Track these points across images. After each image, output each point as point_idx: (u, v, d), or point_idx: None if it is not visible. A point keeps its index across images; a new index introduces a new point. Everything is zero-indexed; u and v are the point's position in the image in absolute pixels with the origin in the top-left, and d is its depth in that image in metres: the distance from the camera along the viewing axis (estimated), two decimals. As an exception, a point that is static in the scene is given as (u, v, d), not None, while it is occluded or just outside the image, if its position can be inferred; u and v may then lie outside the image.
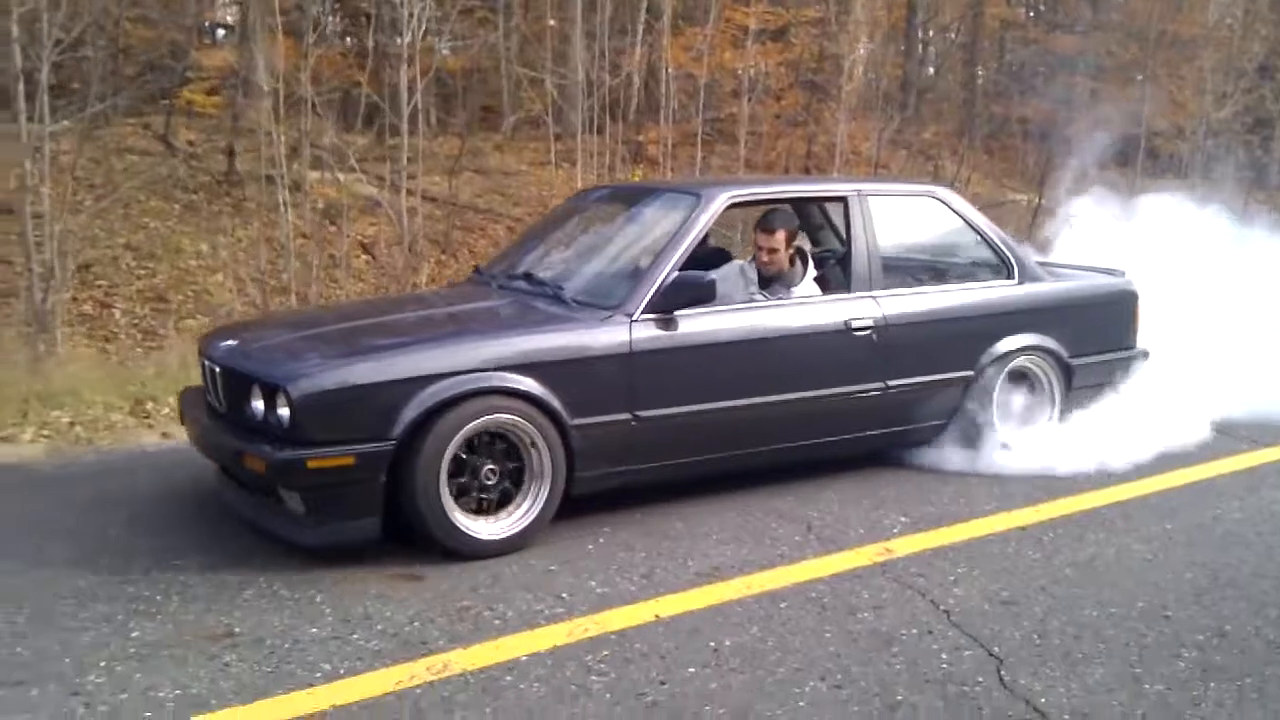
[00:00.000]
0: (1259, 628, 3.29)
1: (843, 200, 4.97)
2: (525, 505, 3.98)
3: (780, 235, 4.87)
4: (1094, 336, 5.40)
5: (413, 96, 12.86)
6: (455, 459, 3.82)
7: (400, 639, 3.28)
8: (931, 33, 22.20)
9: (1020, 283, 5.23)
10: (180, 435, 4.92)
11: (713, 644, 3.26)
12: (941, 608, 3.53)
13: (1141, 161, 17.10)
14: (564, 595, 3.62)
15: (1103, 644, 3.24)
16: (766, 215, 4.97)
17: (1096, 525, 4.27)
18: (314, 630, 3.33)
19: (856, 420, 4.78)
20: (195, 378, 6.17)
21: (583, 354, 4.09)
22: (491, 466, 3.91)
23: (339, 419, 3.67)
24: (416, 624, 3.39)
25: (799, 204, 5.34)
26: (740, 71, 15.72)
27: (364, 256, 13.99)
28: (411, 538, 3.85)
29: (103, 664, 3.08)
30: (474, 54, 15.33)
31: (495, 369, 3.87)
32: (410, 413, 3.70)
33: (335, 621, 3.39)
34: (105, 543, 3.97)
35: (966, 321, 5.05)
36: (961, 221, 5.24)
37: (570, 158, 16.57)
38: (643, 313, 4.23)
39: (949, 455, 5.07)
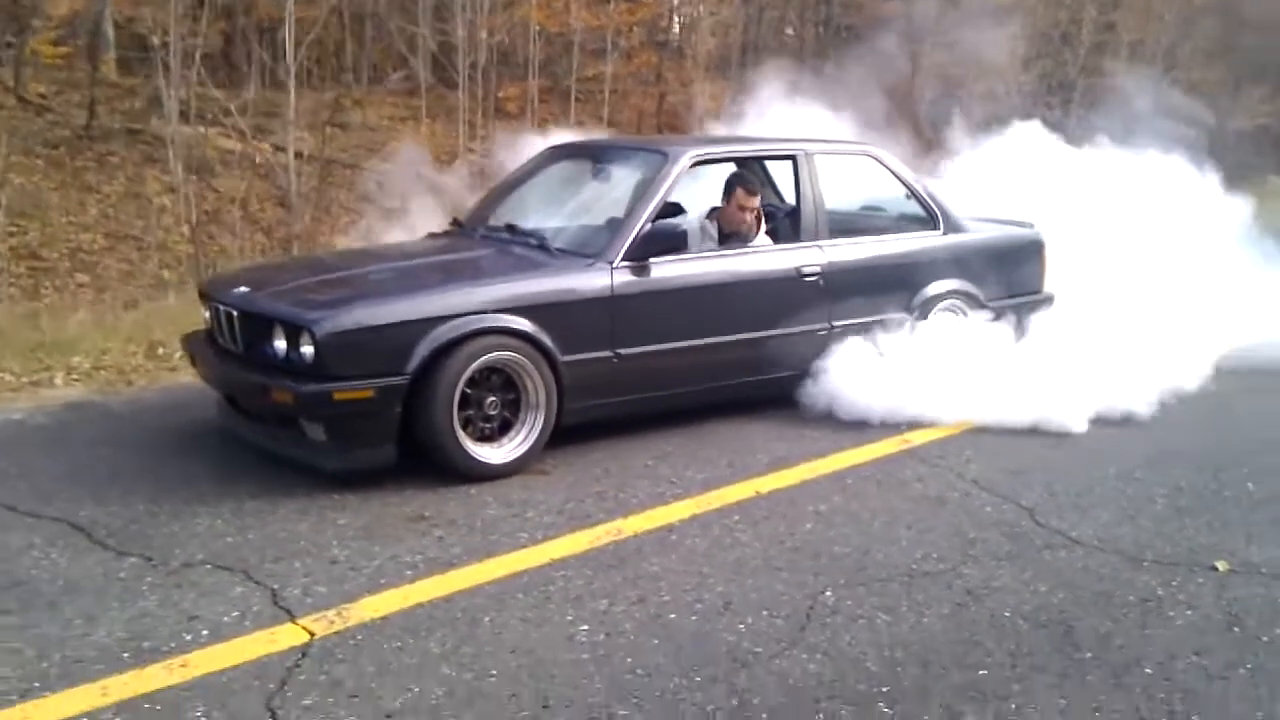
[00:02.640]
0: (1208, 483, 4.31)
1: (792, 158, 5.40)
2: (524, 432, 4.35)
3: (759, 196, 5.33)
4: (1009, 281, 5.93)
5: (299, 51, 12.99)
6: (461, 392, 4.17)
7: (567, 514, 3.90)
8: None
9: (945, 233, 5.72)
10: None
11: (811, 508, 4.01)
12: (969, 478, 4.39)
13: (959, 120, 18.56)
14: (673, 481, 4.27)
15: (1098, 498, 4.18)
16: (745, 178, 5.36)
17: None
18: (490, 513, 3.91)
19: (807, 356, 5.18)
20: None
21: (570, 297, 4.48)
22: (492, 399, 4.27)
23: (358, 356, 4.01)
24: (571, 504, 4.01)
25: (751, 162, 5.80)
26: (605, 31, 16.29)
27: (238, 213, 13.92)
28: (417, 464, 4.23)
29: (335, 542, 3.62)
30: (355, 4, 15.37)
31: (496, 310, 4.25)
32: (423, 350, 4.06)
33: (500, 506, 3.97)
34: (248, 461, 4.41)
35: (900, 268, 5.51)
36: (894, 177, 5.73)
37: (430, 113, 16.88)
38: (621, 260, 4.62)
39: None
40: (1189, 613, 3.27)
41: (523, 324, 4.31)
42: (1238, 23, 27.87)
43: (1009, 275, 5.98)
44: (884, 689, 2.81)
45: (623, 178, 5.37)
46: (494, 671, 2.83)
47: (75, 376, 5.79)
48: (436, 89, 16.80)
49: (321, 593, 3.24)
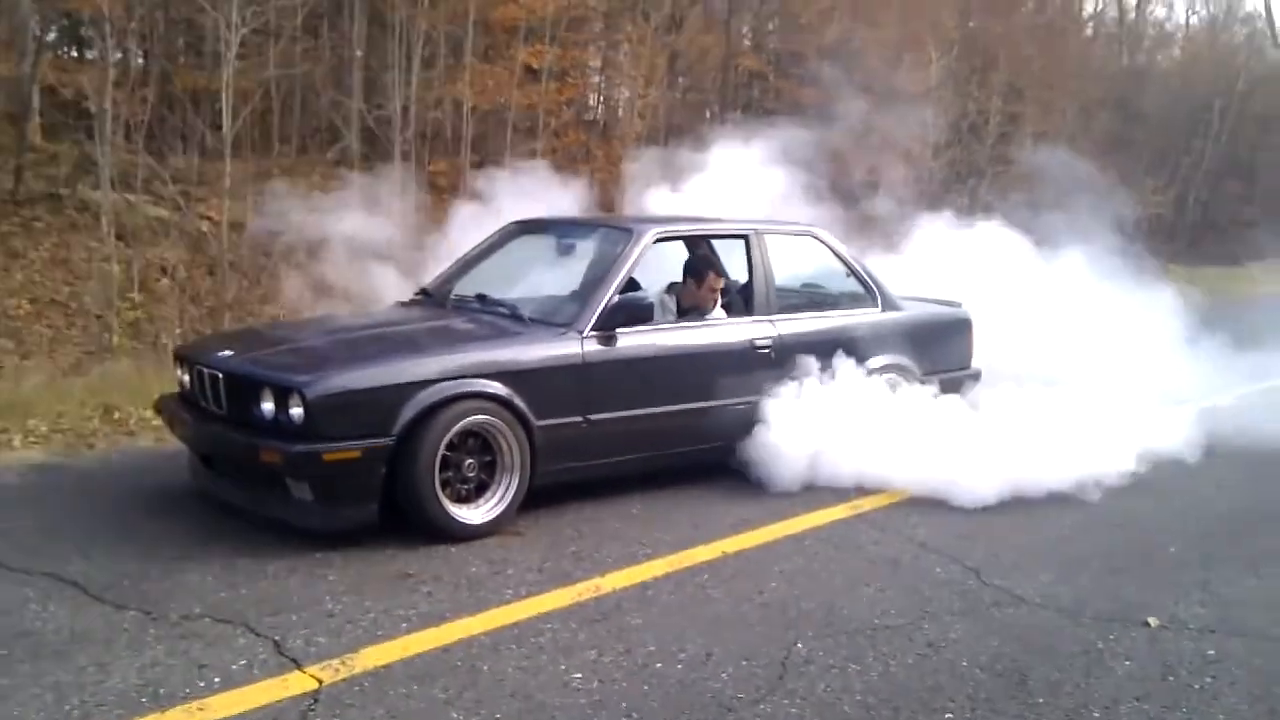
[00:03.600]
0: (1136, 547, 4.69)
1: (744, 238, 5.69)
2: (499, 494, 4.51)
3: (724, 279, 5.65)
4: (940, 356, 6.24)
5: (237, 120, 13.12)
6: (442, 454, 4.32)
7: (546, 572, 4.08)
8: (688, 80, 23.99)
9: (884, 310, 6.03)
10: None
11: (776, 568, 4.23)
12: (917, 541, 4.67)
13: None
14: (643, 542, 4.47)
15: (1037, 560, 4.51)
16: (716, 263, 5.68)
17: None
18: (473, 570, 4.08)
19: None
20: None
21: (544, 364, 4.69)
22: (470, 460, 4.43)
23: (347, 417, 4.16)
24: (549, 563, 4.20)
25: (703, 240, 5.97)
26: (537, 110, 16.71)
27: (163, 279, 13.89)
28: (395, 523, 4.36)
29: (328, 597, 3.76)
30: (288, 78, 15.54)
31: (475, 375, 4.44)
32: (408, 412, 4.23)
33: (482, 564, 4.14)
34: (227, 522, 4.52)
35: (843, 342, 5.68)
36: (834, 257, 6.07)
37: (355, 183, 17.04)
38: (591, 329, 4.85)
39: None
40: (1127, 663, 3.57)
41: (501, 389, 4.50)
42: (1132, 116, 29.55)
43: (940, 351, 6.33)
44: (861, 730, 3.04)
45: (587, 252, 5.63)
46: (499, 715, 3.02)
47: (33, 439, 5.83)
48: (367, 160, 16.99)
49: (323, 643, 3.39)
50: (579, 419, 4.78)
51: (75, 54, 16.62)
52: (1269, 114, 33.15)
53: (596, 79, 19.71)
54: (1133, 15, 34.55)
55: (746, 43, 25.19)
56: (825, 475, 5.29)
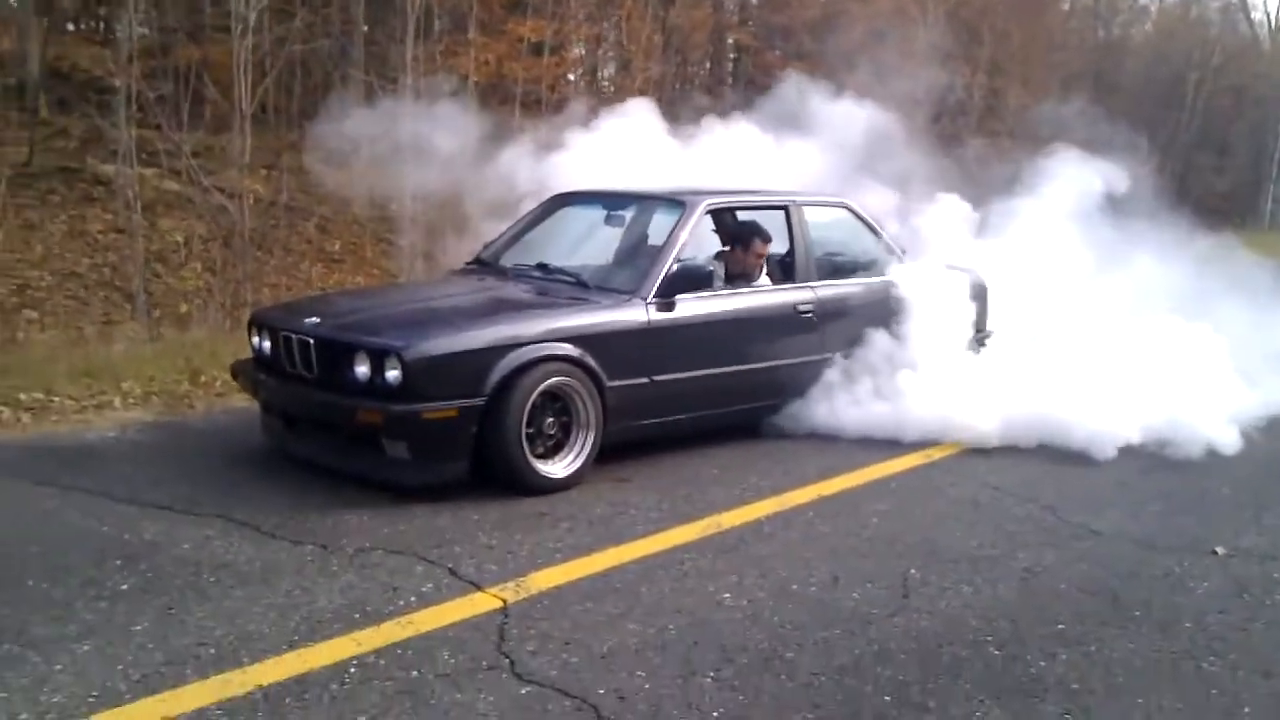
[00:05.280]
0: (1192, 490, 5.01)
1: (784, 209, 5.99)
2: (577, 449, 4.79)
3: (770, 244, 5.96)
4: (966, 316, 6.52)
5: (257, 91, 13.30)
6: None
7: (666, 511, 4.48)
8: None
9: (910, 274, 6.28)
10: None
11: (871, 508, 4.66)
12: (992, 485, 5.10)
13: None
14: (744, 486, 4.86)
15: (1104, 500, 4.93)
16: (762, 230, 5.94)
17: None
18: (598, 511, 4.46)
19: (806, 382, 5.76)
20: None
21: (615, 329, 4.97)
22: (551, 419, 4.71)
23: (442, 379, 4.39)
24: (665, 504, 4.57)
25: (750, 210, 6.22)
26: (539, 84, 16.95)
27: (183, 251, 14.09)
28: (481, 479, 4.58)
29: (480, 533, 4.13)
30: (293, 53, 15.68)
31: (555, 339, 4.70)
32: (498, 374, 4.49)
33: (605, 506, 4.51)
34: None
35: (876, 304, 6.07)
36: (864, 226, 6.42)
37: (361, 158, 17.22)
38: (654, 296, 5.15)
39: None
40: (1205, 584, 3.99)
41: (578, 352, 4.77)
42: (1108, 89, 30.08)
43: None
44: (988, 638, 3.45)
45: (638, 223, 5.94)
46: (671, 627, 3.39)
47: (132, 400, 6.11)
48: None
49: (493, 570, 3.75)
50: (645, 379, 5.08)
51: (76, 28, 16.65)
52: (1242, 87, 33.81)
53: (599, 51, 19.94)
54: (1109, -11, 35.02)
55: (734, 18, 25.56)
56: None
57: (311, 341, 4.64)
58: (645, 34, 19.73)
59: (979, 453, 5.58)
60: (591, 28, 20.18)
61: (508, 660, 3.11)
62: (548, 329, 4.77)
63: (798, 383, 5.78)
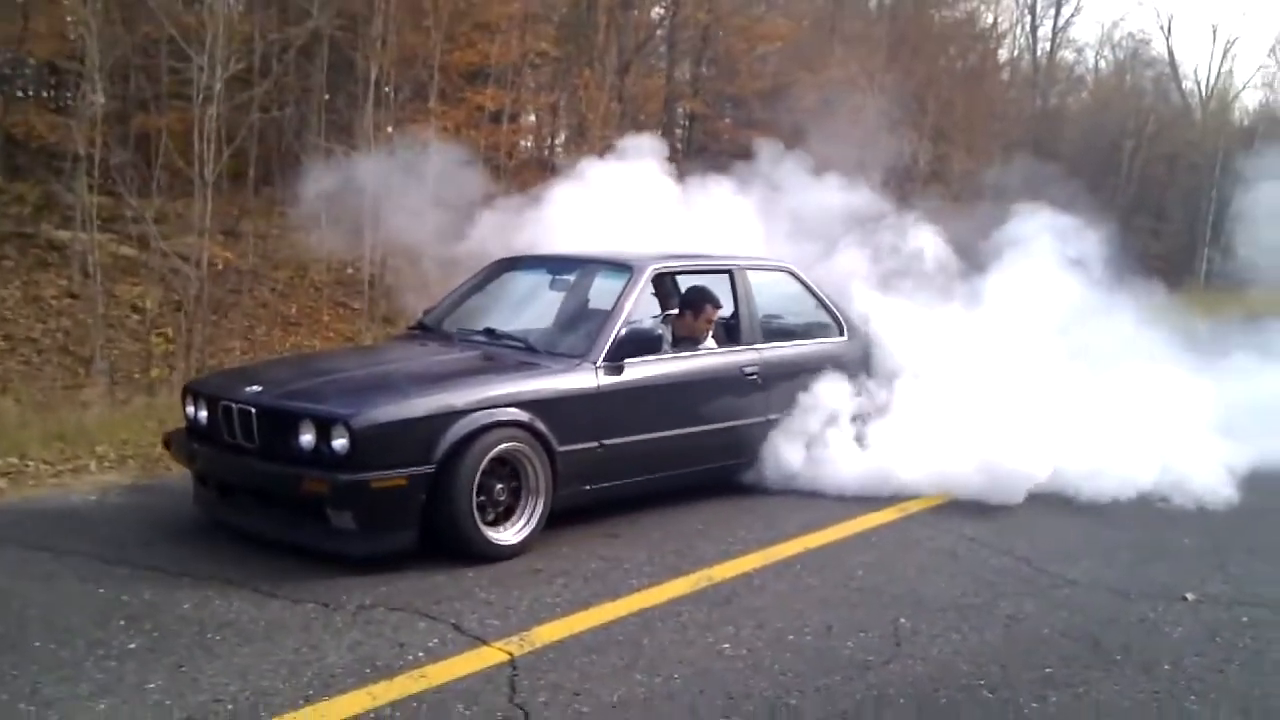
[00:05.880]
0: (1154, 539, 5.17)
1: (729, 272, 6.02)
2: (526, 516, 4.72)
3: (720, 309, 5.93)
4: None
5: (218, 161, 13.35)
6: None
7: (658, 565, 4.57)
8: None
9: (850, 339, 6.47)
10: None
11: (855, 560, 4.79)
12: (968, 536, 5.25)
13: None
14: (730, 540, 4.96)
15: (1075, 549, 5.11)
16: (710, 294, 5.92)
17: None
18: (592, 565, 4.53)
19: (754, 444, 5.81)
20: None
21: (564, 393, 4.93)
22: (500, 485, 4.62)
23: (391, 447, 4.32)
24: (656, 558, 4.65)
25: (695, 274, 6.15)
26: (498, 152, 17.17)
27: (135, 317, 14.03)
28: (427, 548, 4.49)
29: (477, 589, 4.20)
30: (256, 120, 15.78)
31: (505, 405, 4.64)
32: (448, 440, 4.41)
33: (598, 560, 4.60)
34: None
35: (818, 368, 6.10)
36: (805, 290, 6.46)
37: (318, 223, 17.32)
38: (603, 360, 5.12)
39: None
40: (1179, 629, 4.16)
41: (527, 417, 4.71)
42: (1047, 156, 30.94)
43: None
44: (980, 681, 3.58)
45: (583, 287, 5.95)
46: (675, 676, 3.48)
47: (108, 464, 6.11)
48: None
49: (495, 624, 3.82)
50: (595, 444, 5.02)
51: (31, 95, 16.61)
52: (1175, 155, 34.96)
53: (552, 120, 20.28)
54: (1044, 59, 36.17)
55: (688, 88, 26.06)
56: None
57: (253, 410, 4.53)
58: (603, 103, 20.11)
59: (953, 505, 5.74)
60: (549, 96, 20.55)
61: (522, 712, 3.18)
62: (498, 394, 4.72)
63: (745, 444, 5.80)
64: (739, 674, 3.53)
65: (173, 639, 3.59)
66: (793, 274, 6.50)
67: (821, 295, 6.57)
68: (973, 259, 7.97)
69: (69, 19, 13.83)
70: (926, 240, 7.69)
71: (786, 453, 5.87)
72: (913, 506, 5.72)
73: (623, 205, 7.27)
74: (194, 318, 12.98)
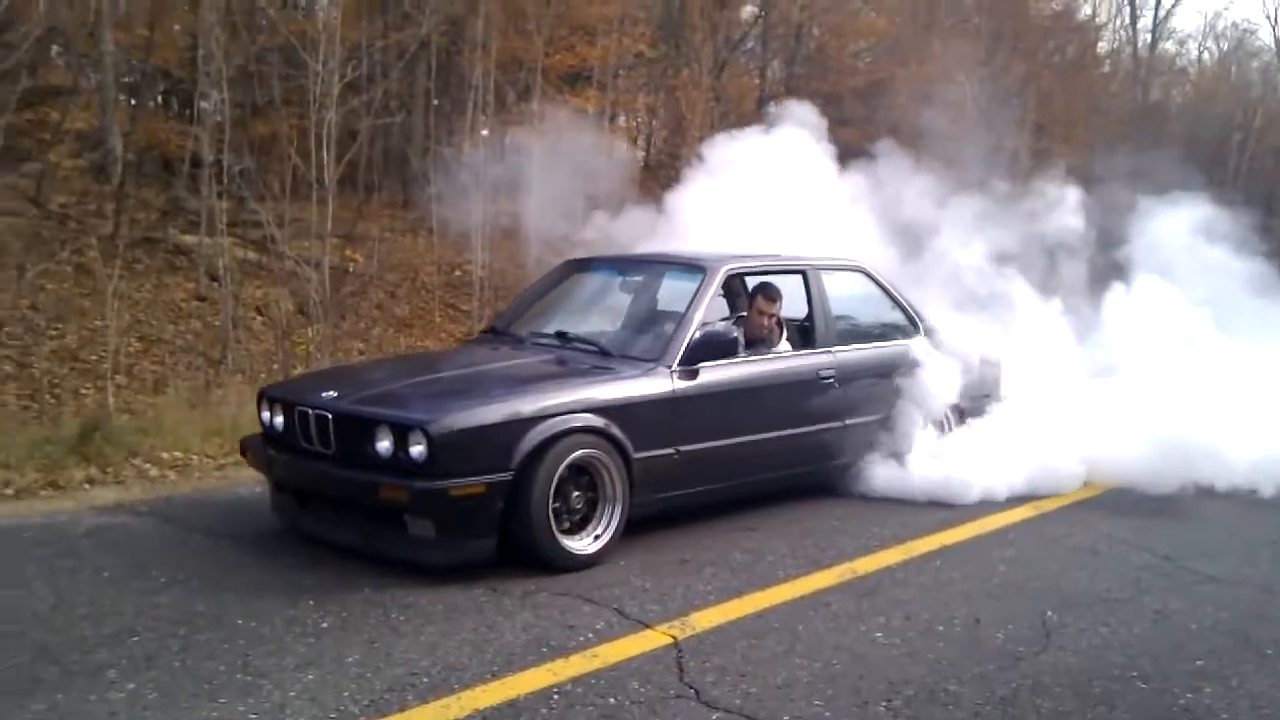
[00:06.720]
0: None
1: (802, 273, 5.86)
2: (603, 524, 4.62)
3: (779, 303, 5.74)
4: (976, 381, 6.48)
5: (339, 165, 13.78)
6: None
7: (800, 558, 4.76)
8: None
9: (928, 339, 6.26)
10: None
11: (996, 555, 4.94)
12: (1105, 533, 5.33)
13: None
14: (867, 535, 5.13)
15: (1216, 547, 5.16)
16: (768, 286, 5.75)
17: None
18: (737, 557, 4.73)
19: (830, 449, 5.72)
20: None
21: (641, 399, 4.80)
22: (578, 493, 4.54)
23: (469, 454, 4.23)
24: (798, 551, 4.86)
25: (768, 274, 5.91)
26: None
27: (259, 319, 14.53)
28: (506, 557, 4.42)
29: (632, 578, 4.40)
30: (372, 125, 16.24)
31: (580, 410, 4.53)
32: (525, 447, 4.32)
33: (742, 552, 4.80)
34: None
35: (893, 370, 6.04)
36: (879, 289, 6.32)
37: (427, 225, 17.76)
38: (678, 364, 5.00)
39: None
40: (1330, 624, 4.19)
41: (603, 423, 4.61)
42: (1150, 149, 30.27)
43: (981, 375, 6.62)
44: (1133, 673, 3.66)
45: (666, 288, 5.85)
46: (835, 661, 3.63)
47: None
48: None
49: (655, 610, 4.01)
50: (670, 450, 4.91)
51: (159, 105, 17.30)
52: (1287, 147, 33.95)
53: (649, 121, 20.54)
54: (1145, 51, 35.38)
55: (781, 87, 26.10)
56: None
57: (330, 416, 4.47)
58: (701, 102, 20.27)
59: (1088, 504, 5.84)
60: (647, 98, 20.80)
61: (692, 690, 3.36)
62: (573, 399, 4.61)
63: (822, 450, 5.71)
64: (895, 661, 3.66)
65: (360, 619, 3.83)
66: (866, 273, 6.32)
67: (897, 294, 6.40)
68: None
69: (193, 31, 14.37)
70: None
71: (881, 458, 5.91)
72: (1047, 505, 5.79)
73: (776, 185, 7.18)
74: (323, 318, 13.46)
